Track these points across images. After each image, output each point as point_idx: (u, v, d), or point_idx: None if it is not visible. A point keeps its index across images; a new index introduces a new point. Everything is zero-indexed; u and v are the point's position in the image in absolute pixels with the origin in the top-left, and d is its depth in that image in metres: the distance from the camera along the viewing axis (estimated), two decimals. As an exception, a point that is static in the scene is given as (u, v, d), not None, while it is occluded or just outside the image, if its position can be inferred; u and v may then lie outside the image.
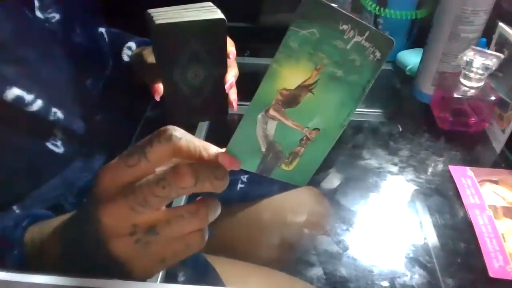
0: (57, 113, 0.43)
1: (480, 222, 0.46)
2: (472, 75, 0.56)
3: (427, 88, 0.66)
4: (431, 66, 0.64)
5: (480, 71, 0.55)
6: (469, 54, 0.55)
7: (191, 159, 0.27)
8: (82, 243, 0.29)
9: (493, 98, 0.57)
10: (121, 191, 0.26)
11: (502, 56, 0.55)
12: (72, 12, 0.47)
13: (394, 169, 0.55)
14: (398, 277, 0.42)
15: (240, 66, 0.54)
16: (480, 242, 0.44)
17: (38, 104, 0.41)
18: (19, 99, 0.39)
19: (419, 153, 0.58)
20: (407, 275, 0.42)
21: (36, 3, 0.43)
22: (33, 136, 0.42)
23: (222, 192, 0.28)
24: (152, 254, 0.28)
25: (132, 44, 0.60)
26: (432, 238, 0.46)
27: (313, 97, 0.27)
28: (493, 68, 0.54)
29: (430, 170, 0.55)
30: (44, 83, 0.42)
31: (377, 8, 0.75)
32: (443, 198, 0.51)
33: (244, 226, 0.57)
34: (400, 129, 0.62)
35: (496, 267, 0.41)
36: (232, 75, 0.51)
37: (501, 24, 0.59)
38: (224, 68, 0.50)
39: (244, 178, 0.59)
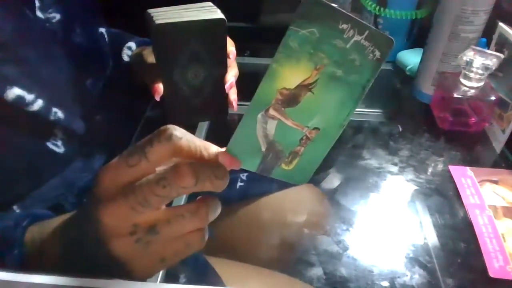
0: (58, 113, 0.43)
1: (480, 222, 0.46)
2: (472, 75, 0.56)
3: (427, 88, 0.66)
4: (431, 66, 0.64)
5: (480, 71, 0.55)
6: (469, 54, 0.55)
7: (192, 159, 0.27)
8: (82, 243, 0.29)
9: (493, 98, 0.57)
10: (121, 191, 0.26)
11: (502, 56, 0.55)
12: (73, 12, 0.47)
13: (394, 169, 0.55)
14: (398, 277, 0.42)
15: (240, 66, 0.54)
16: (480, 242, 0.44)
17: (39, 104, 0.41)
18: (19, 99, 0.39)
19: (419, 153, 0.58)
20: (407, 275, 0.42)
21: (37, 3, 0.43)
22: (34, 136, 0.42)
23: (222, 190, 0.28)
24: (152, 253, 0.28)
25: (132, 44, 0.60)
26: (432, 238, 0.46)
27: (313, 96, 0.27)
28: (493, 68, 0.54)
29: (430, 170, 0.55)
30: (45, 83, 0.42)
31: (377, 8, 0.75)
32: (443, 198, 0.51)
33: (243, 225, 0.57)
34: (400, 129, 0.62)
35: (496, 267, 0.41)
36: (232, 75, 0.51)
37: (501, 24, 0.59)
38: (224, 68, 0.50)
39: (244, 176, 0.59)
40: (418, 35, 0.78)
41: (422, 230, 0.47)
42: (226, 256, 0.52)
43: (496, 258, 0.42)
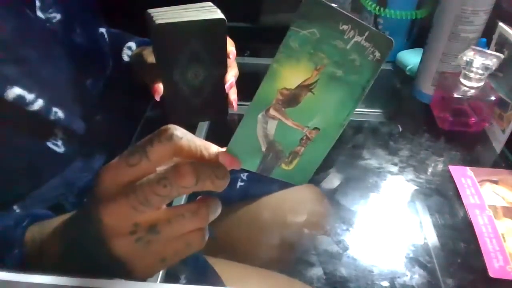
0: (58, 113, 0.43)
1: (480, 222, 0.46)
2: (472, 75, 0.56)
3: (427, 88, 0.66)
4: (431, 66, 0.64)
5: (480, 71, 0.55)
6: (469, 54, 0.55)
7: (192, 158, 0.27)
8: (83, 242, 0.29)
9: (493, 98, 0.57)
10: (122, 190, 0.26)
11: (502, 56, 0.55)
12: (73, 12, 0.48)
13: (394, 169, 0.55)
14: (398, 277, 0.42)
15: (240, 66, 0.54)
16: (480, 242, 0.44)
17: (39, 103, 0.41)
18: (20, 98, 0.39)
19: (419, 153, 0.58)
20: (407, 275, 0.42)
21: (37, 3, 0.43)
22: (34, 135, 0.42)
23: (222, 190, 0.28)
24: (152, 253, 0.28)
25: (132, 44, 0.60)
26: (432, 238, 0.46)
27: (313, 97, 0.27)
28: (493, 68, 0.55)
29: (430, 170, 0.55)
30: (45, 83, 0.42)
31: (377, 8, 0.75)
32: (443, 198, 0.51)
33: (244, 225, 0.57)
34: (400, 129, 0.63)
35: (496, 267, 0.41)
36: (232, 75, 0.51)
37: (501, 24, 0.59)
38: (224, 68, 0.50)
39: (244, 176, 0.59)
40: (418, 35, 0.78)
41: (422, 230, 0.47)
42: (226, 256, 0.52)
43: (496, 258, 0.42)
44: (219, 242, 0.51)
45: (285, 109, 0.27)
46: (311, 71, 0.26)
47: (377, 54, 0.26)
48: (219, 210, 0.29)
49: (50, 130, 0.44)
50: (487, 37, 0.61)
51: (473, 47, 0.57)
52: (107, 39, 0.56)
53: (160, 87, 0.49)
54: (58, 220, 0.32)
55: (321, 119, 0.28)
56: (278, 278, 0.50)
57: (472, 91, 0.57)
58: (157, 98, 0.49)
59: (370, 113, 0.66)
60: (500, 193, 0.50)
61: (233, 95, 0.53)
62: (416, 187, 0.52)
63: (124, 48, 0.59)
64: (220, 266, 0.48)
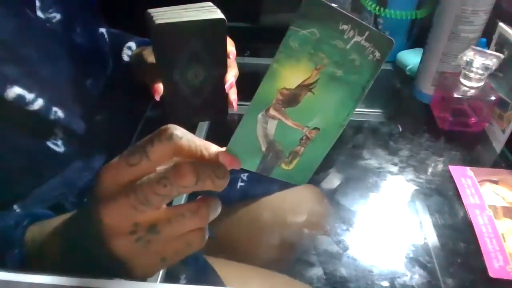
0: (58, 112, 0.43)
1: (480, 222, 0.46)
2: (472, 75, 0.56)
3: (427, 88, 0.66)
4: (431, 66, 0.64)
5: (480, 71, 0.55)
6: (469, 54, 0.55)
7: (192, 158, 0.27)
8: (83, 242, 0.29)
9: (493, 98, 0.57)
10: (122, 190, 0.26)
11: (502, 56, 0.55)
12: (73, 12, 0.48)
13: (394, 169, 0.55)
14: (398, 277, 0.42)
15: (240, 66, 0.54)
16: (480, 242, 0.44)
17: (39, 103, 0.41)
18: (20, 98, 0.39)
19: (419, 153, 0.58)
20: (407, 275, 0.42)
21: (37, 3, 0.43)
22: (34, 135, 0.42)
23: (222, 190, 0.28)
24: (152, 252, 0.28)
25: (132, 44, 0.60)
26: (432, 238, 0.46)
27: (313, 96, 0.27)
28: (493, 68, 0.55)
29: (430, 170, 0.55)
30: (45, 83, 0.42)
31: (377, 8, 0.75)
32: (443, 198, 0.51)
33: (244, 225, 0.57)
34: (400, 129, 0.63)
35: (496, 267, 0.41)
36: (232, 75, 0.51)
37: (501, 24, 0.59)
38: (224, 68, 0.50)
39: (244, 176, 0.59)
40: (418, 35, 0.78)
41: (422, 230, 0.47)
42: (227, 256, 0.52)
43: (496, 258, 0.42)
44: (219, 242, 0.51)
45: (285, 109, 0.27)
46: (311, 71, 0.26)
47: (377, 54, 0.26)
48: (219, 210, 0.29)
49: (50, 129, 0.44)
50: (487, 37, 0.61)
51: (473, 47, 0.57)
52: (107, 39, 0.56)
53: (160, 87, 0.49)
54: (58, 220, 0.32)
55: (321, 119, 0.28)
56: (278, 277, 0.50)
57: (472, 91, 0.57)
58: (157, 98, 0.49)
59: (370, 113, 0.66)
60: (500, 193, 0.50)
61: (233, 95, 0.53)
62: (416, 187, 0.52)
63: (124, 48, 0.59)
64: (220, 266, 0.48)
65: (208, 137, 0.59)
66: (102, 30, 0.55)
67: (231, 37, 0.52)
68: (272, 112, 0.27)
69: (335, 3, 0.24)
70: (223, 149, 0.29)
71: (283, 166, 0.30)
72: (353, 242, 0.46)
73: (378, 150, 0.58)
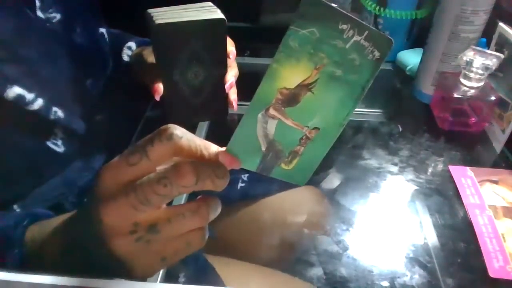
0: (58, 112, 0.43)
1: (480, 222, 0.46)
2: (472, 75, 0.56)
3: (427, 88, 0.66)
4: (431, 66, 0.64)
5: (480, 71, 0.55)
6: (469, 54, 0.55)
7: (192, 158, 0.27)
8: (83, 242, 0.29)
9: (493, 98, 0.57)
10: (122, 190, 0.26)
11: (502, 56, 0.55)
12: (73, 12, 0.48)
13: (394, 169, 0.55)
14: (398, 277, 0.42)
15: (240, 66, 0.54)
16: (480, 242, 0.44)
17: (39, 103, 0.41)
18: (20, 97, 0.39)
19: (419, 153, 0.58)
20: (407, 275, 0.42)
21: (37, 3, 0.43)
22: (34, 135, 0.43)
23: (223, 190, 0.28)
24: (153, 252, 0.28)
25: (132, 44, 0.60)
26: (432, 238, 0.46)
27: (313, 96, 0.27)
28: (493, 68, 0.54)
29: (430, 170, 0.55)
30: (45, 82, 0.42)
31: (377, 8, 0.75)
32: (443, 198, 0.51)
33: (244, 225, 0.57)
34: (400, 129, 0.63)
35: (496, 267, 0.41)
36: (232, 75, 0.51)
37: (501, 24, 0.59)
38: (224, 68, 0.50)
39: (245, 177, 0.59)
40: (418, 35, 0.78)
41: (422, 230, 0.47)
42: (226, 255, 0.52)
43: (496, 258, 0.42)
44: (220, 242, 0.51)
45: (284, 109, 0.27)
46: (311, 70, 0.26)
47: (377, 53, 0.26)
48: (219, 210, 0.29)
49: (50, 129, 0.44)
50: (487, 37, 0.61)
51: (473, 47, 0.57)
52: (107, 39, 0.56)
53: (160, 87, 0.49)
54: (58, 220, 0.32)
55: (320, 119, 0.28)
56: (279, 276, 0.50)
57: (472, 91, 0.57)
58: (157, 98, 0.49)
59: (370, 113, 0.66)
60: (500, 193, 0.50)
61: (233, 95, 0.53)
62: (416, 187, 0.52)
63: (124, 48, 0.59)
64: (220, 264, 0.48)
65: (208, 137, 0.59)
66: (102, 30, 0.55)
67: (231, 37, 0.52)
68: (272, 111, 0.27)
69: (335, 3, 0.24)
70: (223, 149, 0.29)
71: (283, 166, 0.30)
72: (353, 242, 0.46)
73: (378, 150, 0.58)
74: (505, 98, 0.56)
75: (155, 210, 0.27)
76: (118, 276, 0.29)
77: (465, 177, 0.53)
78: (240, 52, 0.54)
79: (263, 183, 0.58)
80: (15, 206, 0.44)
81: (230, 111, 0.54)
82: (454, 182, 0.52)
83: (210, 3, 0.49)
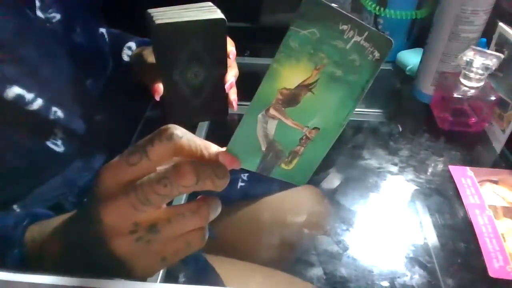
0: (57, 112, 0.43)
1: (480, 222, 0.46)
2: (472, 75, 0.56)
3: (427, 88, 0.66)
4: (431, 66, 0.64)
5: (480, 71, 0.55)
6: (469, 54, 0.55)
7: (192, 158, 0.27)
8: (83, 242, 0.29)
9: (493, 98, 0.57)
10: (122, 190, 0.26)
11: (502, 56, 0.55)
12: (73, 12, 0.48)
13: (394, 169, 0.55)
14: (398, 277, 0.42)
15: (240, 66, 0.54)
16: (480, 242, 0.44)
17: (39, 103, 0.41)
18: (19, 97, 0.39)
19: (419, 153, 0.58)
20: (407, 275, 0.42)
21: (37, 3, 0.43)
22: (34, 135, 0.42)
23: (223, 190, 0.28)
24: (153, 252, 0.28)
25: (132, 44, 0.60)
26: (432, 238, 0.46)
27: (313, 96, 0.27)
28: (493, 68, 0.55)
29: (430, 170, 0.55)
30: (45, 82, 0.42)
31: (377, 8, 0.75)
32: (443, 198, 0.51)
33: (244, 225, 0.57)
34: (400, 129, 0.63)
35: (496, 267, 0.41)
36: (232, 75, 0.51)
37: (501, 24, 0.59)
38: (224, 68, 0.50)
39: (245, 176, 0.59)
40: (418, 35, 0.78)
41: (422, 230, 0.47)
42: (226, 255, 0.52)
43: (496, 258, 0.42)
44: (220, 242, 0.51)
45: (285, 109, 0.27)
46: (311, 71, 0.26)
47: (377, 54, 0.26)
48: (219, 210, 0.29)
49: (50, 129, 0.44)
50: (487, 37, 0.61)
51: (473, 47, 0.57)
52: (107, 39, 0.56)
53: (160, 87, 0.49)
54: (58, 220, 0.32)
55: (320, 119, 0.28)
56: (279, 276, 0.50)
57: (472, 91, 0.57)
58: (157, 98, 0.49)
59: (370, 113, 0.66)
60: (500, 193, 0.50)
61: (233, 95, 0.53)
62: (416, 187, 0.52)
63: (124, 48, 0.59)
64: (220, 264, 0.48)
65: (208, 137, 0.59)
66: (102, 30, 0.55)
67: (231, 37, 0.52)
68: (272, 112, 0.27)
69: (335, 3, 0.24)
70: (223, 149, 0.29)
71: (283, 166, 0.30)
72: (353, 242, 0.46)
73: (378, 150, 0.58)
74: (505, 98, 0.56)
75: (155, 210, 0.27)
76: (118, 276, 0.29)
77: (465, 177, 0.53)
78: (240, 52, 0.54)
79: (263, 183, 0.58)
80: (15, 206, 0.44)
81: (230, 111, 0.54)
82: (454, 182, 0.52)
83: (210, 3, 0.49)
